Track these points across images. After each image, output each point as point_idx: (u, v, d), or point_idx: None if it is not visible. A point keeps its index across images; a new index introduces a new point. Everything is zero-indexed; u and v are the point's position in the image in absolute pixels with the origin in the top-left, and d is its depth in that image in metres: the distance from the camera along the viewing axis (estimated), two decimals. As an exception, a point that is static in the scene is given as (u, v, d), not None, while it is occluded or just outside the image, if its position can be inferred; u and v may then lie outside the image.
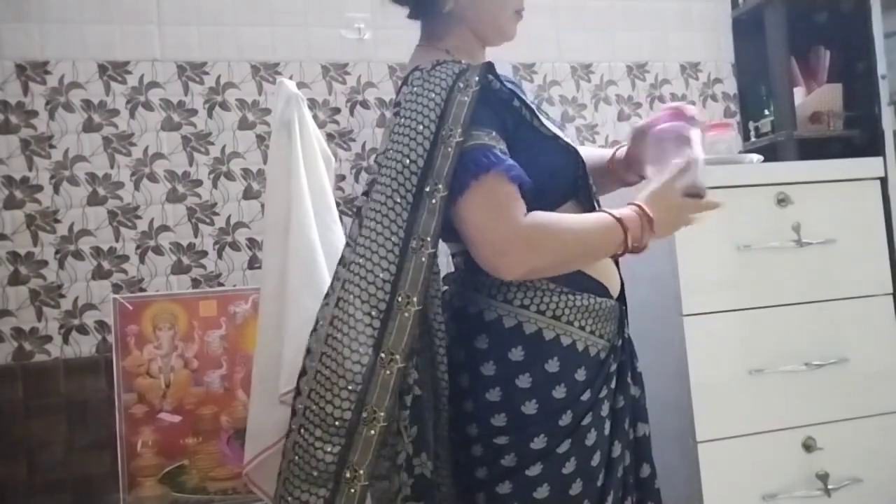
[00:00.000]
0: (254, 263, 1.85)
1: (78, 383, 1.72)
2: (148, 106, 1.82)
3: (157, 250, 1.81)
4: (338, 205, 1.71)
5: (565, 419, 1.08)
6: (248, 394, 1.61)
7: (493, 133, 1.05)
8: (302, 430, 1.04)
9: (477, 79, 1.05)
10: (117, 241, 1.78)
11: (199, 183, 1.84)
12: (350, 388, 1.00)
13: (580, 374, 1.10)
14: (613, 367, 1.15)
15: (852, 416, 1.55)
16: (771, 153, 1.92)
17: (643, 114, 2.17)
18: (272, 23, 1.91)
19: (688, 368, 1.46)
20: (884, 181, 1.66)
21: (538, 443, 1.07)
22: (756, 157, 1.65)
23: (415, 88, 1.07)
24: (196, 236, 1.83)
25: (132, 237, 1.79)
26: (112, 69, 1.81)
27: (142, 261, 1.80)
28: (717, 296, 1.50)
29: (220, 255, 1.84)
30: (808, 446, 1.51)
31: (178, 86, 1.84)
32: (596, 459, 1.11)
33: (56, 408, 1.70)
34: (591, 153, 1.32)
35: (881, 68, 1.92)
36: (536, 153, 1.09)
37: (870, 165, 1.64)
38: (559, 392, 1.08)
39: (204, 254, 1.83)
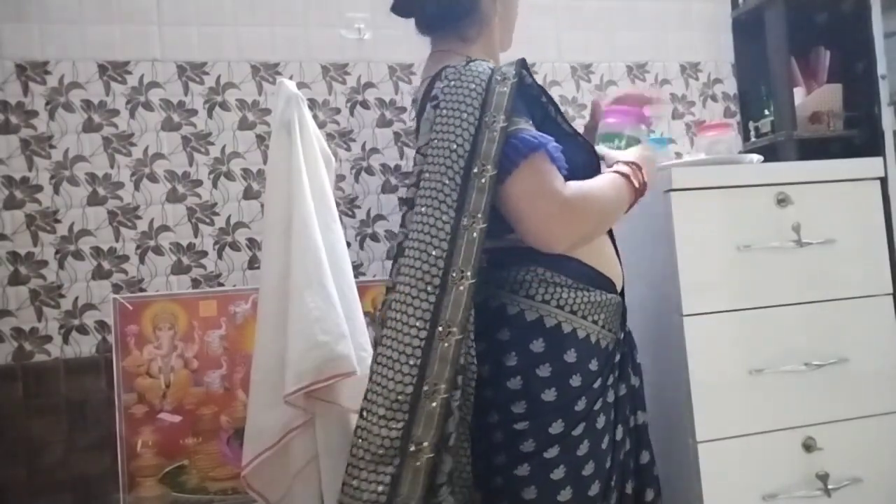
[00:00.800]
0: (254, 263, 1.85)
1: (78, 383, 1.72)
2: (148, 106, 1.82)
3: (157, 250, 1.81)
4: (338, 205, 1.71)
5: (580, 405, 1.15)
6: (248, 394, 1.61)
7: (530, 122, 1.13)
8: (365, 413, 1.06)
9: (514, 72, 1.14)
10: (117, 241, 1.78)
11: (199, 183, 1.84)
12: (410, 362, 1.03)
13: (593, 365, 1.17)
14: (618, 358, 1.23)
15: (852, 416, 1.54)
16: (771, 153, 1.92)
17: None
18: (272, 23, 1.91)
19: (688, 368, 1.46)
20: (884, 181, 1.66)
21: (556, 427, 1.13)
22: (756, 157, 1.65)
23: (452, 82, 1.14)
24: (196, 236, 1.83)
25: (132, 237, 1.79)
26: (112, 69, 1.81)
27: (142, 261, 1.79)
28: (717, 296, 1.50)
29: (220, 255, 1.84)
30: (808, 446, 1.51)
31: (178, 86, 1.84)
32: (605, 442, 1.18)
33: (56, 408, 1.70)
34: None
35: (881, 68, 1.92)
36: (564, 144, 1.15)
37: (870, 165, 1.64)
38: (575, 381, 1.15)
39: (204, 254, 1.83)
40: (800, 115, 2.03)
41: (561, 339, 1.15)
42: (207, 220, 1.84)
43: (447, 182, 1.08)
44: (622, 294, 1.29)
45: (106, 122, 1.80)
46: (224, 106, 1.87)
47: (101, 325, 1.75)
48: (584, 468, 1.15)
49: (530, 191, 1.09)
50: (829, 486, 1.49)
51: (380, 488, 1.02)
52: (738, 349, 1.50)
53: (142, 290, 1.78)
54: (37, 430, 1.69)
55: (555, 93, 2.11)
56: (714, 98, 2.23)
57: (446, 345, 1.03)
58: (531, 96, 1.19)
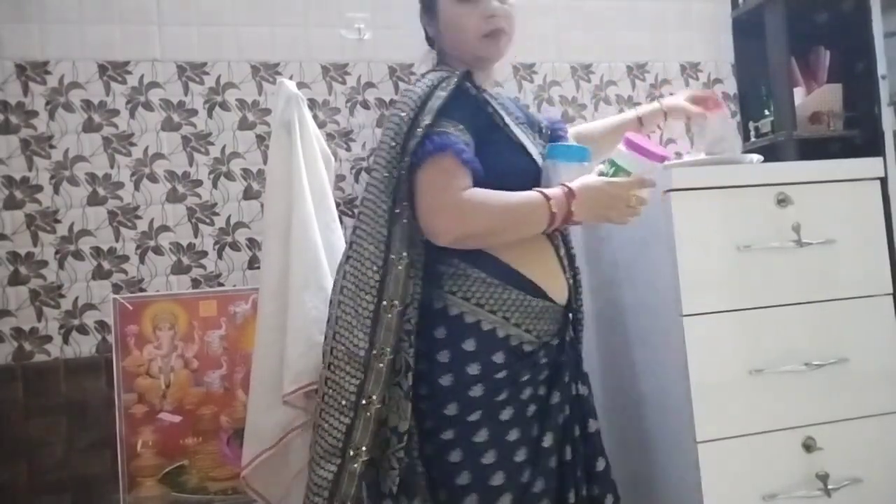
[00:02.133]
0: (254, 263, 1.85)
1: (78, 383, 1.72)
2: (148, 106, 1.82)
3: (157, 250, 1.81)
4: (338, 205, 1.71)
5: (476, 391, 1.22)
6: (248, 394, 1.61)
7: (461, 126, 1.23)
8: (332, 367, 1.25)
9: (455, 80, 1.25)
10: (117, 241, 1.78)
11: (199, 183, 1.84)
12: (365, 330, 1.21)
13: (498, 357, 1.24)
14: (543, 361, 1.28)
15: (852, 416, 1.54)
16: (771, 153, 1.91)
17: (643, 114, 2.17)
18: (272, 23, 1.91)
19: (688, 368, 1.46)
20: (884, 181, 1.65)
21: (450, 410, 1.22)
22: (756, 157, 1.65)
23: (406, 88, 1.29)
24: (196, 236, 1.83)
25: (132, 237, 1.79)
26: (112, 69, 1.81)
27: (142, 261, 1.80)
28: (717, 296, 1.50)
29: (220, 255, 1.84)
30: (808, 446, 1.51)
31: (178, 86, 1.84)
32: (513, 436, 1.23)
33: (56, 408, 1.70)
34: (611, 121, 1.70)
35: (881, 68, 1.92)
36: (502, 153, 1.28)
37: (870, 165, 1.64)
38: (473, 369, 1.22)
39: (204, 254, 1.84)
40: (800, 115, 2.03)
41: (462, 328, 1.24)
42: (207, 220, 1.84)
43: (386, 175, 1.25)
44: (570, 308, 1.36)
45: (106, 122, 1.80)
46: (224, 106, 1.87)
47: (101, 325, 1.75)
48: (484, 456, 1.20)
49: (428, 185, 1.21)
50: (829, 486, 1.49)
51: (339, 435, 1.21)
52: (738, 349, 1.50)
53: (142, 290, 1.78)
54: (37, 430, 1.69)
55: (554, 93, 2.11)
56: (714, 98, 2.23)
57: (390, 316, 1.20)
58: (474, 104, 1.28)
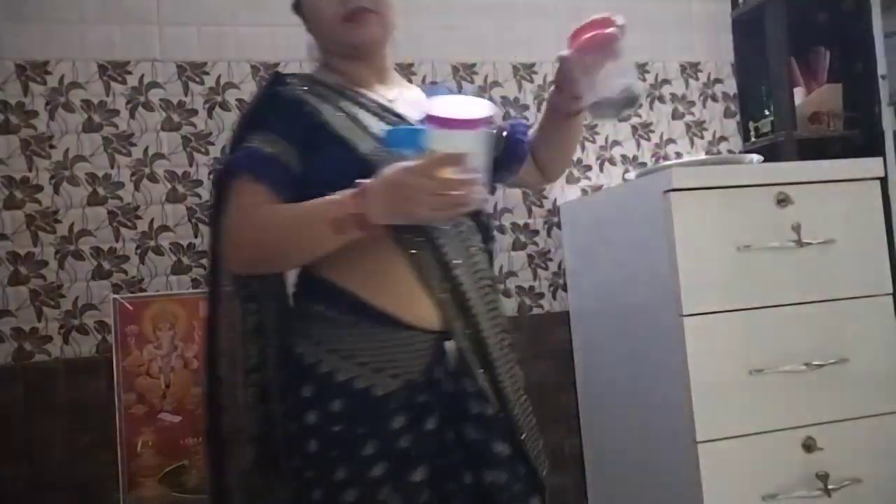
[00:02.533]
0: (254, 263, 1.85)
1: (78, 383, 1.72)
2: (148, 106, 1.82)
3: (157, 250, 1.80)
4: (338, 205, 1.71)
5: (312, 446, 1.06)
6: (248, 394, 1.61)
7: (274, 136, 1.09)
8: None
9: (267, 87, 1.17)
10: (117, 241, 1.78)
11: (199, 183, 1.84)
12: (207, 367, 1.22)
13: (335, 405, 1.05)
14: (394, 406, 1.06)
15: (852, 416, 1.54)
16: (771, 153, 1.91)
17: (643, 114, 2.17)
18: (272, 23, 1.91)
19: (688, 368, 1.46)
20: (884, 181, 1.66)
21: (295, 462, 1.09)
22: (756, 157, 1.65)
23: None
24: (196, 236, 1.83)
25: (132, 237, 1.79)
26: (112, 69, 1.81)
27: (142, 261, 1.79)
28: (717, 296, 1.50)
29: (220, 255, 1.84)
30: (808, 446, 1.51)
31: (178, 86, 1.84)
32: (349, 497, 1.04)
33: (56, 408, 1.70)
34: (539, 120, 1.30)
35: (881, 68, 1.92)
36: (330, 153, 1.10)
37: (870, 165, 1.64)
38: (311, 418, 1.06)
39: (204, 254, 1.83)
40: (800, 115, 2.03)
41: (302, 371, 1.08)
42: (207, 220, 1.84)
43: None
44: (448, 336, 1.10)
45: (106, 122, 1.80)
46: (224, 106, 1.87)
47: (101, 325, 1.75)
48: None
49: (225, 210, 1.09)
50: (829, 486, 1.49)
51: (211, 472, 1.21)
52: (738, 349, 1.50)
53: (142, 290, 1.78)
54: (37, 430, 1.69)
55: (555, 93, 2.10)
56: (714, 98, 2.23)
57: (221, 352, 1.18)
58: (292, 108, 1.13)
